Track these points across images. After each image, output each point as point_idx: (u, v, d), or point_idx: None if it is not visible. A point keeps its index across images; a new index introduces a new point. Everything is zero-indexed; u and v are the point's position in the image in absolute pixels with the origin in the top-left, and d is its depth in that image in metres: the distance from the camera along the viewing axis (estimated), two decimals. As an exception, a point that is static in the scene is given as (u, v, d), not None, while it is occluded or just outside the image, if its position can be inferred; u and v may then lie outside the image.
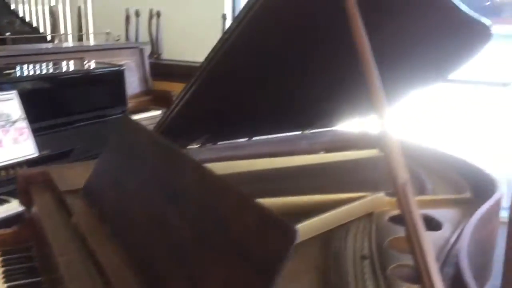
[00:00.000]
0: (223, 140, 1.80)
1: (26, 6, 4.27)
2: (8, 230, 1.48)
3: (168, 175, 1.01)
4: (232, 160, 1.65)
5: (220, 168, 1.58)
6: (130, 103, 3.14)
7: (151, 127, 3.38)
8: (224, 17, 3.38)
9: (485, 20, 1.25)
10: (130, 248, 1.01)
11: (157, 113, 3.29)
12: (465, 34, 1.25)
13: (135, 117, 3.15)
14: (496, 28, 1.33)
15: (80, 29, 4.00)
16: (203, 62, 1.25)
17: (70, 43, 3.67)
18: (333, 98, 1.71)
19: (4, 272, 1.32)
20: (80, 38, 3.97)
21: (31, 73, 2.39)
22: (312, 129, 1.98)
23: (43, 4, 4.28)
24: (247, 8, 1.12)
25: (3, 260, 1.38)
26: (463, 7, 1.15)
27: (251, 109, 1.60)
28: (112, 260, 0.99)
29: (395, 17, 1.24)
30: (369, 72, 0.98)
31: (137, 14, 3.61)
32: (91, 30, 4.26)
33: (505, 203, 2.25)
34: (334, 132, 2.05)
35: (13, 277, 1.29)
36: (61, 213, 1.30)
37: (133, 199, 1.09)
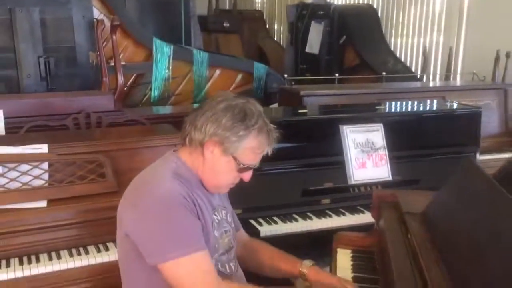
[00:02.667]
0: None
1: (400, 41, 4.83)
2: (359, 234, 1.89)
3: (496, 219, 1.14)
4: None
5: None
6: (485, 142, 3.17)
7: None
8: None
9: None
10: (452, 272, 1.20)
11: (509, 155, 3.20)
12: None
13: (487, 156, 3.17)
14: None
15: (448, 69, 4.25)
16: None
17: (436, 82, 3.97)
18: None
19: (352, 265, 1.71)
20: (447, 78, 4.23)
21: (395, 109, 2.79)
22: None
23: (418, 44, 4.76)
24: None
25: (353, 256, 1.78)
26: None
27: None
28: (435, 278, 1.20)
29: None
30: None
31: (508, 55, 3.58)
32: (459, 70, 4.44)
33: None
34: None
35: (359, 269, 1.66)
36: (401, 230, 1.58)
37: (460, 233, 1.27)
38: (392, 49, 4.81)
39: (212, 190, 1.51)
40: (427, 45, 4.54)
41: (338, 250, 1.85)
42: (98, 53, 2.89)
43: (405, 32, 4.93)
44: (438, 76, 4.38)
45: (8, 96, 2.62)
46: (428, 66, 4.32)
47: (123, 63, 3.08)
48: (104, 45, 2.94)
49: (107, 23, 3.02)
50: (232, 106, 1.42)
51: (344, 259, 1.79)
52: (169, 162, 1.47)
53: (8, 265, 1.73)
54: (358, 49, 4.50)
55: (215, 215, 1.51)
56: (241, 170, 1.47)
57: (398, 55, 4.76)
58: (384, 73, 3.63)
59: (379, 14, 4.99)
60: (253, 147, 1.43)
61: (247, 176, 1.51)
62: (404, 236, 1.55)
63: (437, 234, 1.42)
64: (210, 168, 1.45)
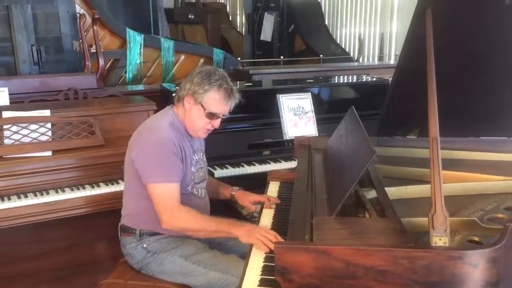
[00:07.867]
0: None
1: (343, 31, 5.57)
2: (286, 171, 2.58)
3: (350, 143, 1.85)
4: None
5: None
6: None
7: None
8: None
9: None
10: (327, 178, 1.89)
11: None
12: None
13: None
14: None
15: (381, 51, 5.00)
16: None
17: (370, 63, 4.71)
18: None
19: (278, 190, 2.37)
20: (380, 59, 4.97)
21: (321, 83, 3.50)
22: None
23: (356, 33, 5.50)
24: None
25: (280, 185, 2.45)
26: None
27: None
28: (318, 184, 1.89)
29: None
30: None
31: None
32: (393, 52, 5.20)
33: None
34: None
35: (282, 193, 2.29)
36: (308, 160, 2.28)
37: (334, 155, 1.97)
38: (334, 37, 5.55)
39: (192, 133, 2.05)
40: (363, 33, 5.28)
41: (271, 182, 2.51)
42: (80, 41, 3.49)
43: (345, 23, 5.67)
44: (371, 58, 5.14)
45: (10, 77, 3.22)
46: (363, 50, 5.06)
47: (101, 50, 3.68)
48: (85, 35, 3.55)
49: (88, 17, 3.63)
50: (203, 70, 2.03)
51: (273, 187, 2.44)
52: (166, 115, 2.06)
53: (26, 196, 2.36)
54: (304, 36, 5.21)
55: (194, 155, 2.10)
56: (208, 116, 2.00)
57: (339, 42, 5.49)
58: (321, 56, 4.34)
59: (323, 8, 5.73)
60: (215, 98, 1.97)
61: (216, 123, 2.03)
62: (310, 160, 2.24)
63: (326, 158, 2.12)
64: (188, 115, 2.02)
